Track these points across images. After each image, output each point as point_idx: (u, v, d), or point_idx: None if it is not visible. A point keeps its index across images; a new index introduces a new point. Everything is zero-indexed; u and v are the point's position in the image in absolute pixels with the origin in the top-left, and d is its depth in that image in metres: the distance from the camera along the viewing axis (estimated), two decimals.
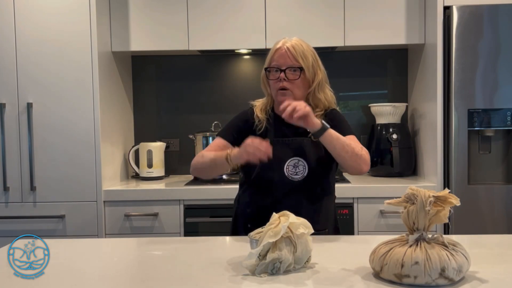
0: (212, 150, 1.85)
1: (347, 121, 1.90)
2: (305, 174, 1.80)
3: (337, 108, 1.94)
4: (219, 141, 1.89)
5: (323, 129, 1.66)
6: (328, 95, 1.89)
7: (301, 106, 1.62)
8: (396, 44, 2.91)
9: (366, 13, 2.85)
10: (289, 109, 1.62)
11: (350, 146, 1.70)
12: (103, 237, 2.64)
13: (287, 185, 1.80)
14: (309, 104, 1.88)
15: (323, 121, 1.67)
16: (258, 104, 1.94)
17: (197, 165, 1.85)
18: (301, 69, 1.81)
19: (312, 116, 1.64)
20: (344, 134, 1.78)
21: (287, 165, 1.80)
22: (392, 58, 3.25)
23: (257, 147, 1.64)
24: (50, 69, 2.64)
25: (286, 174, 1.80)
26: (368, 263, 1.29)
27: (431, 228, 1.23)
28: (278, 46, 1.84)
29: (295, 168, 1.80)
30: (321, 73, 1.87)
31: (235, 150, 1.72)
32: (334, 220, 1.94)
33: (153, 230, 2.67)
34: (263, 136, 1.84)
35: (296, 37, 1.87)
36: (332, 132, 1.67)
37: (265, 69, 1.86)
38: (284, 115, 1.63)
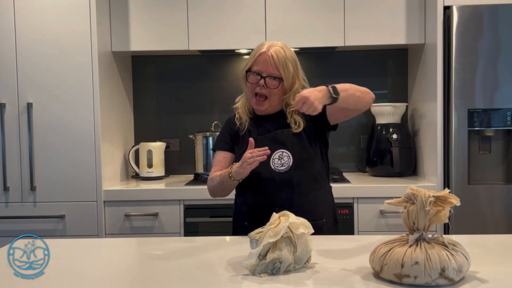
0: (217, 166, 1.93)
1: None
2: (290, 164, 1.82)
3: None
4: (218, 155, 1.97)
5: (335, 99, 1.67)
6: None
7: (308, 104, 1.63)
8: (396, 44, 2.91)
9: (366, 13, 2.85)
10: (299, 102, 1.64)
11: (358, 90, 1.74)
12: (103, 237, 2.64)
13: (276, 178, 1.82)
14: (283, 106, 1.91)
15: (329, 89, 1.67)
16: (240, 105, 1.98)
17: (211, 189, 1.92)
18: (280, 79, 1.83)
19: (317, 101, 1.63)
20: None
21: (272, 158, 1.83)
22: (392, 58, 3.25)
23: (253, 157, 1.70)
24: (50, 69, 2.64)
25: (273, 167, 1.83)
26: (368, 263, 1.29)
27: (431, 228, 1.23)
28: (262, 50, 1.85)
29: (280, 160, 1.82)
30: (299, 82, 1.89)
31: (235, 167, 1.77)
32: (332, 211, 1.94)
33: (153, 230, 2.67)
34: (247, 135, 1.89)
35: (282, 43, 1.89)
36: (341, 94, 1.68)
37: (246, 71, 1.88)
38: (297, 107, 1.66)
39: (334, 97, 1.66)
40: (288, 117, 1.88)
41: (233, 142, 1.95)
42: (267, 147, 1.71)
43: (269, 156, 1.81)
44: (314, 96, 1.63)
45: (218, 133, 2.06)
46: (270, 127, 1.89)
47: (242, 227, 1.88)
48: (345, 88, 1.71)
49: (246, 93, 1.94)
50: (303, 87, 1.89)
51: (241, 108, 1.96)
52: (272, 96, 1.85)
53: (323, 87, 1.67)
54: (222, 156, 1.95)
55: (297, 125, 1.85)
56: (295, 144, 1.84)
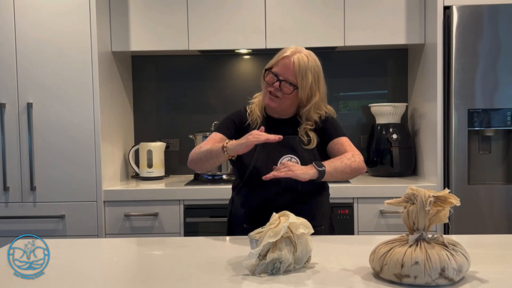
0: (210, 142, 1.87)
1: (340, 125, 1.95)
2: None
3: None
4: (216, 135, 1.90)
5: (321, 175, 1.70)
6: (323, 114, 1.91)
7: (285, 170, 1.66)
8: (396, 44, 2.91)
9: (366, 13, 2.85)
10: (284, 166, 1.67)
11: (347, 166, 1.75)
12: (103, 237, 2.64)
13: (281, 182, 1.80)
14: (300, 117, 1.91)
15: (315, 165, 1.70)
16: (256, 101, 1.96)
17: (194, 156, 1.85)
18: (295, 87, 1.82)
19: (303, 173, 1.66)
20: (336, 136, 1.87)
21: (280, 162, 1.81)
22: (392, 58, 3.25)
23: (257, 135, 1.67)
24: (50, 69, 2.64)
25: None
26: (368, 263, 1.29)
27: (431, 228, 1.23)
28: (286, 54, 1.83)
29: None
30: (319, 95, 1.87)
31: (232, 141, 1.74)
32: (329, 218, 1.95)
33: (153, 230, 2.67)
34: None
35: (308, 51, 1.87)
36: (330, 169, 1.71)
37: (266, 69, 1.87)
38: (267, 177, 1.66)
39: (319, 176, 1.69)
40: (300, 130, 1.87)
41: (235, 133, 1.89)
42: (281, 136, 1.69)
43: (277, 159, 1.82)
44: (302, 169, 1.66)
45: (223, 119, 2.00)
46: (280, 131, 1.85)
47: (240, 229, 1.87)
48: (336, 168, 1.73)
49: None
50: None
51: (257, 105, 1.94)
52: (283, 100, 1.84)
53: (314, 170, 1.68)
54: (219, 137, 1.88)
55: (311, 143, 1.85)
56: (304, 152, 1.84)
